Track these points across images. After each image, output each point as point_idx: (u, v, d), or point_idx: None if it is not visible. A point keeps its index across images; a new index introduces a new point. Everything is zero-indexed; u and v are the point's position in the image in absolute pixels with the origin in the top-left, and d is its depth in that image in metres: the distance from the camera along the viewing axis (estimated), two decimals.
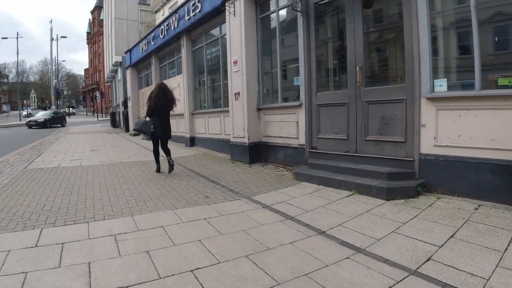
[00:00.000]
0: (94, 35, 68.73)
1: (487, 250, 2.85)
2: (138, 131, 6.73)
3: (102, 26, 39.39)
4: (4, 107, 70.51)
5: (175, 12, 10.99)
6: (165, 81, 12.99)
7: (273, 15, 7.31)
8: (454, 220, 3.56)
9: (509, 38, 4.19)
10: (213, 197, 4.79)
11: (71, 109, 69.77)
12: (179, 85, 11.79)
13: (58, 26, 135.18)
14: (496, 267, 2.56)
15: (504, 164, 3.89)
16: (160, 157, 6.85)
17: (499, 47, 4.23)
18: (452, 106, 4.32)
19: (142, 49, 14.91)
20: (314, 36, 6.09)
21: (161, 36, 12.32)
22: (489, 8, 4.18)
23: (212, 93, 10.34)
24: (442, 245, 2.98)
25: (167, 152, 6.61)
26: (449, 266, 2.61)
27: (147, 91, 12.74)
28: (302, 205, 4.32)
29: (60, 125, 30.23)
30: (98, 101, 57.53)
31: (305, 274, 2.56)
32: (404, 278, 2.48)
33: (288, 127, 6.74)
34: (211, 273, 2.58)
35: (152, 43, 13.40)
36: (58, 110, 37.53)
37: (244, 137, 7.45)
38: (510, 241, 2.99)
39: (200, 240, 3.22)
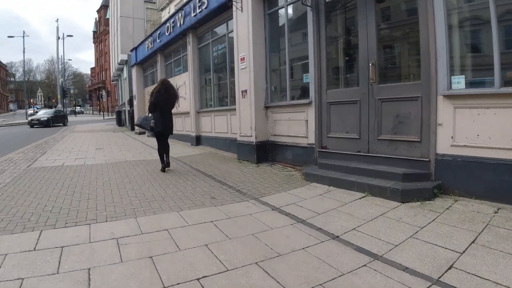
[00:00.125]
0: (100, 34, 68.82)
1: (510, 256, 2.67)
2: (139, 126, 6.94)
3: (108, 25, 39.38)
4: (11, 106, 71.01)
5: (181, 9, 10.85)
6: (171, 79, 12.91)
7: (281, 11, 7.11)
8: (473, 224, 3.36)
9: None
10: (220, 198, 4.62)
11: (78, 107, 69.94)
12: (184, 83, 11.66)
13: (65, 25, 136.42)
14: None
15: None
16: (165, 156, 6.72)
17: None
18: (470, 104, 4.10)
19: (147, 47, 14.79)
20: (324, 31, 5.87)
21: (167, 34, 12.17)
22: (510, 4, 3.95)
23: (218, 91, 10.18)
24: (464, 252, 2.79)
25: (167, 149, 6.65)
26: (472, 274, 2.43)
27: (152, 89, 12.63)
28: (313, 207, 4.13)
29: (62, 124, 29.55)
30: (104, 100, 57.72)
31: (320, 284, 2.37)
32: None
33: (297, 125, 6.54)
34: (218, 282, 2.40)
35: (158, 40, 13.27)
36: (58, 109, 37.15)
37: (251, 136, 7.26)
38: None
39: (206, 245, 3.04)
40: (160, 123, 6.43)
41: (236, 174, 6.18)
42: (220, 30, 9.55)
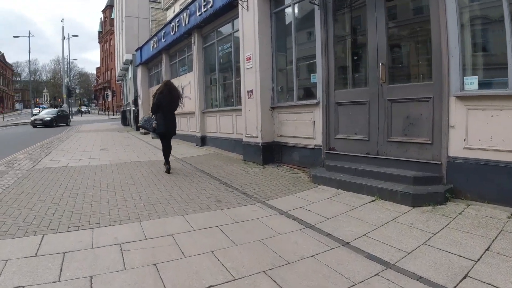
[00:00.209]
0: (106, 34, 68.98)
1: None
2: (142, 127, 6.98)
3: (113, 25, 39.43)
4: (17, 105, 71.42)
5: (186, 8, 10.76)
6: (175, 79, 12.92)
7: (288, 9, 7.00)
8: (487, 230, 3.25)
9: None
10: (226, 201, 4.52)
11: (83, 107, 70.24)
12: (189, 83, 11.59)
13: (70, 25, 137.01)
14: None
15: None
16: (170, 157, 6.67)
17: None
18: (484, 105, 3.97)
19: (152, 46, 14.73)
20: (332, 30, 5.75)
21: (172, 33, 12.10)
22: None
23: (223, 91, 10.08)
24: (478, 260, 2.69)
25: (168, 151, 6.69)
26: (488, 284, 2.33)
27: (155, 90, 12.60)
28: (321, 211, 4.02)
29: (64, 124, 28.79)
30: (109, 100, 57.90)
31: None
32: None
33: (304, 126, 6.42)
34: None
35: (163, 40, 13.20)
36: (61, 108, 36.97)
37: (257, 137, 7.16)
38: None
39: (212, 252, 2.94)
40: (162, 124, 6.44)
41: (242, 176, 6.07)
42: (226, 29, 9.46)
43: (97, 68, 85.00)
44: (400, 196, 4.16)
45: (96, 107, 78.98)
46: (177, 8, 17.24)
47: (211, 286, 2.38)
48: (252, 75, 7.22)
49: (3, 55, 66.72)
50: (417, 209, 3.94)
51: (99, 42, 78.43)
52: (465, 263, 2.64)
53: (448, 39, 4.23)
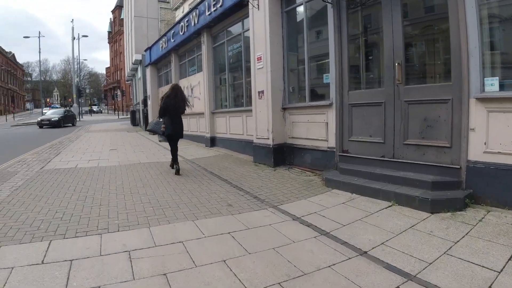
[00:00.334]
0: (115, 34, 69.43)
1: None
2: (151, 131, 7.27)
3: (122, 25, 39.59)
4: (28, 105, 72.16)
5: (195, 7, 10.67)
6: (185, 79, 12.87)
7: (299, 8, 6.84)
8: (509, 238, 3.09)
9: None
10: (237, 206, 4.40)
11: (94, 107, 70.78)
12: (199, 83, 11.50)
13: (80, 26, 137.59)
14: None
15: None
16: (179, 158, 6.59)
17: None
18: (505, 108, 3.79)
19: (161, 46, 14.68)
20: (346, 29, 5.59)
21: (181, 33, 12.02)
22: None
23: (233, 92, 9.97)
24: (501, 270, 2.55)
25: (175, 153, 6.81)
26: None
27: (166, 90, 12.59)
28: (336, 217, 3.87)
29: (71, 124, 28.18)
30: (118, 99, 58.25)
31: None
32: None
33: (316, 128, 6.27)
34: None
35: (172, 40, 13.14)
36: (68, 108, 36.94)
37: (268, 138, 7.03)
38: None
39: (224, 261, 2.82)
40: (170, 127, 6.61)
41: (253, 179, 5.95)
42: (236, 29, 9.34)
43: (107, 68, 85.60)
44: (418, 201, 3.99)
45: (106, 106, 79.50)
46: (186, 8, 17.18)
47: None
48: (263, 75, 7.09)
49: (13, 55, 67.48)
50: (436, 215, 3.78)
51: (108, 43, 79.03)
52: (488, 274, 2.51)
53: (468, 38, 4.04)
